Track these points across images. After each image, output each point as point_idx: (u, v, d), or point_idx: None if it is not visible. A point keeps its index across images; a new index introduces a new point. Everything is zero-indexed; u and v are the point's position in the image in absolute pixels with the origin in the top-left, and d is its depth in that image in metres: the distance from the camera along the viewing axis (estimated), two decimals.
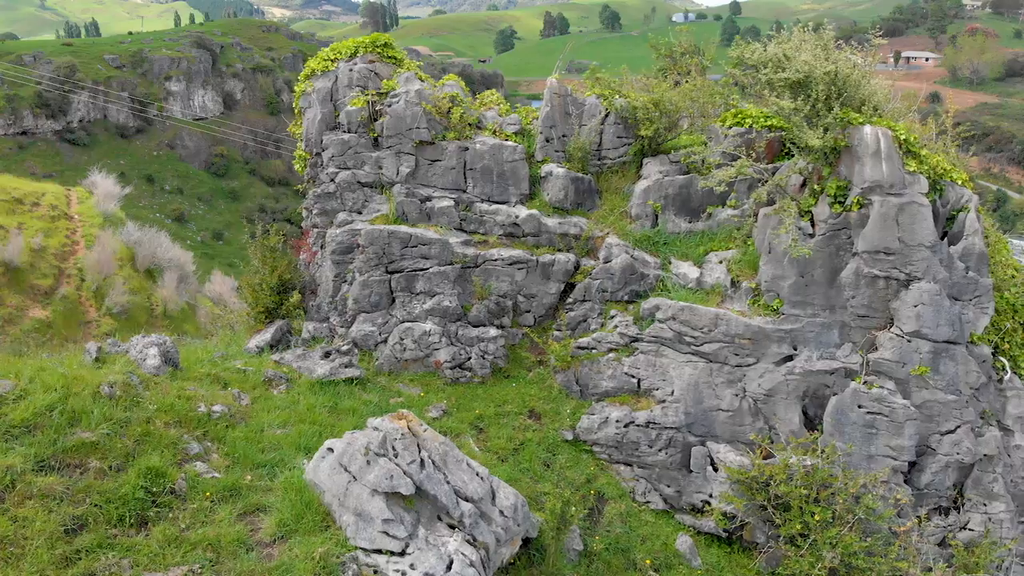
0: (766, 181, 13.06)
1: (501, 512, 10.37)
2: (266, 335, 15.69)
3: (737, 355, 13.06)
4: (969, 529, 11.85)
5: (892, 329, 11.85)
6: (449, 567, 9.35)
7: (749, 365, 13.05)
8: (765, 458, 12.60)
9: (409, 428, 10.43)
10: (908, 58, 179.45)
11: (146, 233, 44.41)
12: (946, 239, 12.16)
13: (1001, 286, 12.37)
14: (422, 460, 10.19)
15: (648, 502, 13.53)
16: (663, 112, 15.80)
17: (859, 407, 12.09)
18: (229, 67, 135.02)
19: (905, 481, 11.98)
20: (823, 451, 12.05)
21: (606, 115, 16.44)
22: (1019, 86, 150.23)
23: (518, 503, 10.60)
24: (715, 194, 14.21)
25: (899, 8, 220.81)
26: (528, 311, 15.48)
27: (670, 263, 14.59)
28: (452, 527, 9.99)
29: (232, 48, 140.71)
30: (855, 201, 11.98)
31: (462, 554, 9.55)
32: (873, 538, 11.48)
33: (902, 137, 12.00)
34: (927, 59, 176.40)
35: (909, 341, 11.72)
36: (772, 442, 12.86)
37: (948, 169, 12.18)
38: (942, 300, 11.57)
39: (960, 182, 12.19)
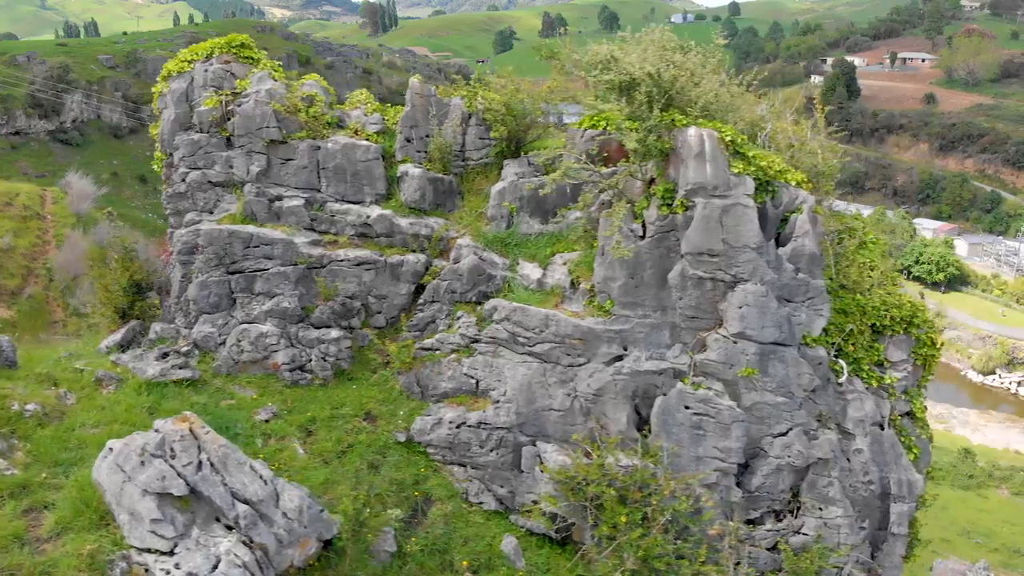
0: (604, 183, 12.66)
1: (284, 514, 10.27)
2: (117, 336, 15.78)
3: (569, 355, 13.03)
4: (803, 534, 11.46)
5: (720, 330, 11.46)
6: (215, 567, 9.38)
7: (580, 365, 13.05)
8: (589, 458, 12.19)
9: (191, 430, 10.45)
10: (904, 59, 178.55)
11: (119, 232, 44.19)
12: (777, 241, 11.75)
13: (855, 287, 11.86)
14: (200, 462, 10.15)
15: (481, 503, 13.41)
16: (513, 114, 15.53)
17: (686, 408, 12.00)
18: None
19: (738, 484, 11.55)
20: (646, 452, 11.75)
21: (469, 116, 16.34)
22: (1015, 87, 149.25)
23: (304, 505, 10.50)
24: (568, 196, 13.85)
25: (896, 9, 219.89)
26: (379, 312, 15.33)
27: (518, 264, 14.46)
28: (230, 528, 9.97)
29: None
30: (680, 203, 11.72)
31: (234, 555, 9.55)
32: (685, 541, 11.07)
33: (727, 139, 11.49)
34: (923, 60, 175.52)
35: (735, 342, 11.45)
36: (602, 442, 12.45)
37: (783, 170, 11.66)
38: (768, 302, 11.26)
39: (795, 183, 11.65)
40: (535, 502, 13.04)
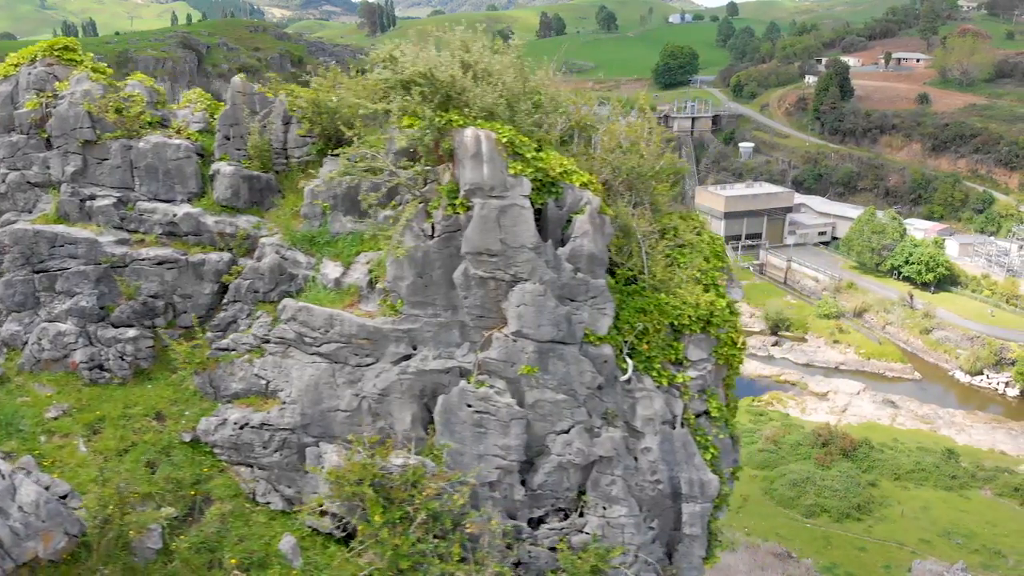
0: (396, 181, 12.77)
1: (20, 508, 10.36)
2: None
3: (357, 355, 12.81)
4: (585, 533, 11.53)
5: (504, 329, 11.65)
6: None
7: (368, 365, 12.79)
8: (374, 458, 12.34)
9: None
10: (899, 59, 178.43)
11: None
12: (558, 241, 11.87)
13: (661, 287, 11.85)
14: None
15: (268, 503, 13.36)
16: (322, 112, 15.46)
17: (468, 406, 11.90)
18: (215, 67, 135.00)
19: (523, 482, 11.67)
20: (431, 451, 11.89)
21: (290, 115, 16.20)
22: (1008, 87, 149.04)
23: (41, 500, 10.54)
24: (386, 196, 13.89)
25: (892, 9, 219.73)
26: (185, 312, 15.26)
27: (322, 263, 14.34)
28: None
29: (218, 48, 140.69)
30: (459, 203, 11.74)
31: None
32: (444, 540, 11.15)
33: (504, 139, 11.55)
34: (918, 60, 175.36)
35: (515, 341, 11.49)
36: (368, 443, 12.61)
37: (568, 171, 11.69)
38: (546, 301, 11.26)
39: (580, 184, 11.71)
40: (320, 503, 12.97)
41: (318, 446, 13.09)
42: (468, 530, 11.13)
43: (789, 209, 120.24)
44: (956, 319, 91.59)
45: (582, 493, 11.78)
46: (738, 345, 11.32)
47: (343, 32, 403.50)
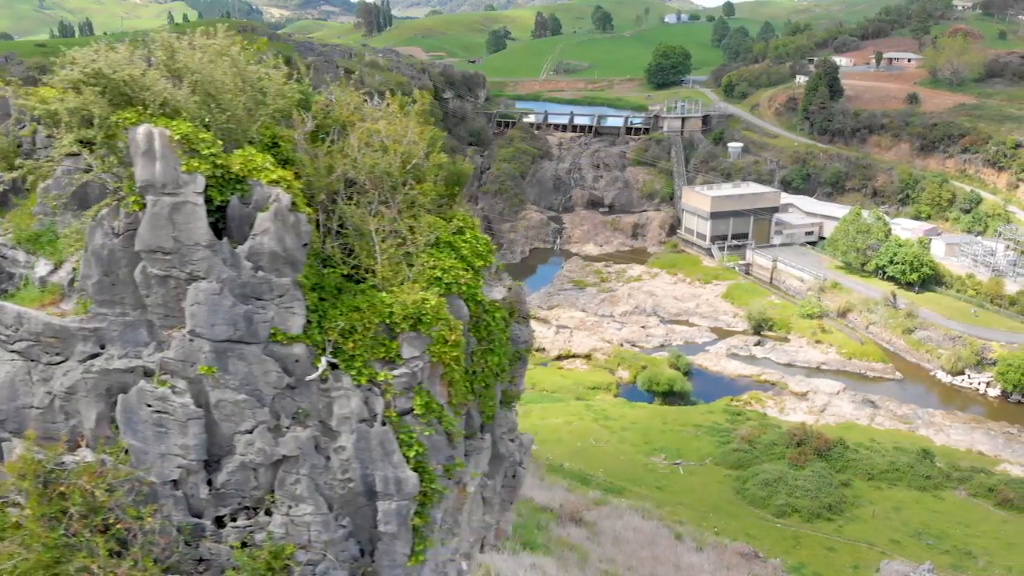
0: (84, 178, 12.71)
1: None
2: None
3: (48, 353, 12.90)
4: (271, 531, 11.56)
5: (183, 329, 11.68)
6: None
7: (59, 363, 12.94)
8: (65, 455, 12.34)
9: None
10: (890, 59, 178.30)
11: None
12: (245, 239, 11.83)
13: (384, 286, 11.82)
14: None
15: None
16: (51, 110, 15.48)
17: (148, 406, 11.99)
18: None
19: (209, 481, 11.73)
20: (111, 450, 11.89)
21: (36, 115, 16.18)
22: (999, 87, 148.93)
23: None
24: (107, 192, 13.83)
25: (885, 9, 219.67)
26: None
27: (38, 261, 14.28)
28: None
29: None
30: (134, 200, 11.80)
31: None
32: (98, 535, 11.11)
33: (178, 136, 11.49)
34: (909, 60, 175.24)
35: (192, 340, 11.49)
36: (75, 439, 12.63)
37: (257, 168, 11.61)
38: (222, 299, 11.28)
39: (268, 182, 11.64)
40: None
41: (11, 441, 13.27)
42: (118, 525, 11.13)
43: (776, 209, 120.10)
44: (939, 319, 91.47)
45: (273, 491, 11.84)
46: (449, 343, 11.20)
47: (340, 32, 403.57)
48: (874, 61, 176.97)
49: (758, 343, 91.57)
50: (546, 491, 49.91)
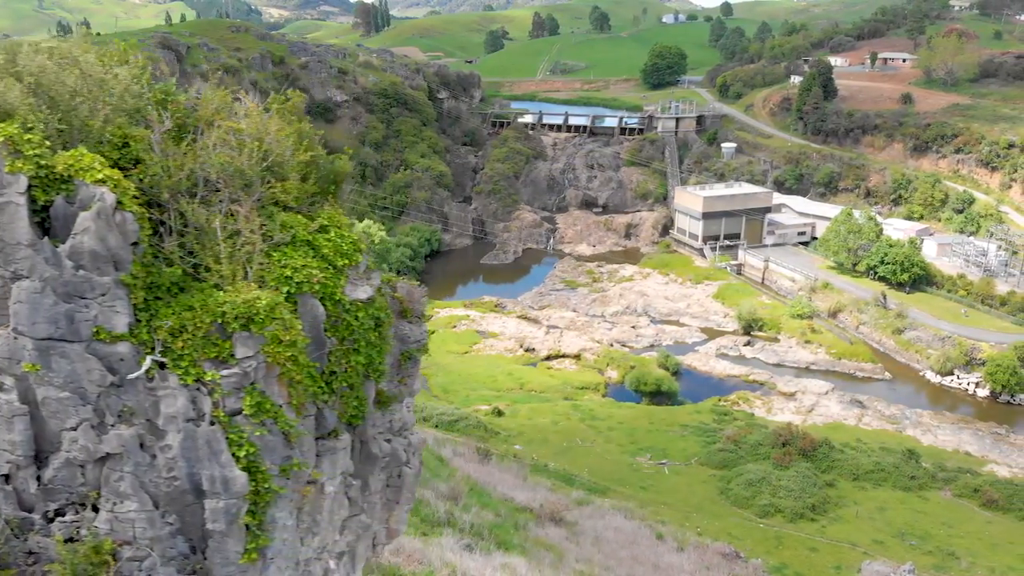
0: None
1: None
2: None
3: None
4: (95, 527, 11.70)
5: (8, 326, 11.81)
6: None
7: None
8: None
9: None
10: (885, 59, 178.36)
11: None
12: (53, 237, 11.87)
13: (223, 284, 11.85)
14: None
15: None
16: None
17: None
18: (194, 67, 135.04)
19: (38, 477, 11.87)
20: None
21: None
22: (993, 87, 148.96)
23: None
24: None
25: (882, 9, 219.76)
26: None
27: None
28: None
29: (199, 49, 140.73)
30: None
31: None
32: None
33: (1, 138, 11.51)
34: (903, 60, 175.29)
35: (16, 339, 11.58)
36: None
37: (84, 168, 11.66)
38: (42, 298, 11.35)
39: (93, 181, 11.71)
40: None
41: None
42: None
43: (768, 209, 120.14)
44: (929, 319, 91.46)
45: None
46: (283, 343, 11.16)
47: (339, 32, 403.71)
48: (869, 61, 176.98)
49: (748, 343, 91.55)
50: (528, 491, 49.91)
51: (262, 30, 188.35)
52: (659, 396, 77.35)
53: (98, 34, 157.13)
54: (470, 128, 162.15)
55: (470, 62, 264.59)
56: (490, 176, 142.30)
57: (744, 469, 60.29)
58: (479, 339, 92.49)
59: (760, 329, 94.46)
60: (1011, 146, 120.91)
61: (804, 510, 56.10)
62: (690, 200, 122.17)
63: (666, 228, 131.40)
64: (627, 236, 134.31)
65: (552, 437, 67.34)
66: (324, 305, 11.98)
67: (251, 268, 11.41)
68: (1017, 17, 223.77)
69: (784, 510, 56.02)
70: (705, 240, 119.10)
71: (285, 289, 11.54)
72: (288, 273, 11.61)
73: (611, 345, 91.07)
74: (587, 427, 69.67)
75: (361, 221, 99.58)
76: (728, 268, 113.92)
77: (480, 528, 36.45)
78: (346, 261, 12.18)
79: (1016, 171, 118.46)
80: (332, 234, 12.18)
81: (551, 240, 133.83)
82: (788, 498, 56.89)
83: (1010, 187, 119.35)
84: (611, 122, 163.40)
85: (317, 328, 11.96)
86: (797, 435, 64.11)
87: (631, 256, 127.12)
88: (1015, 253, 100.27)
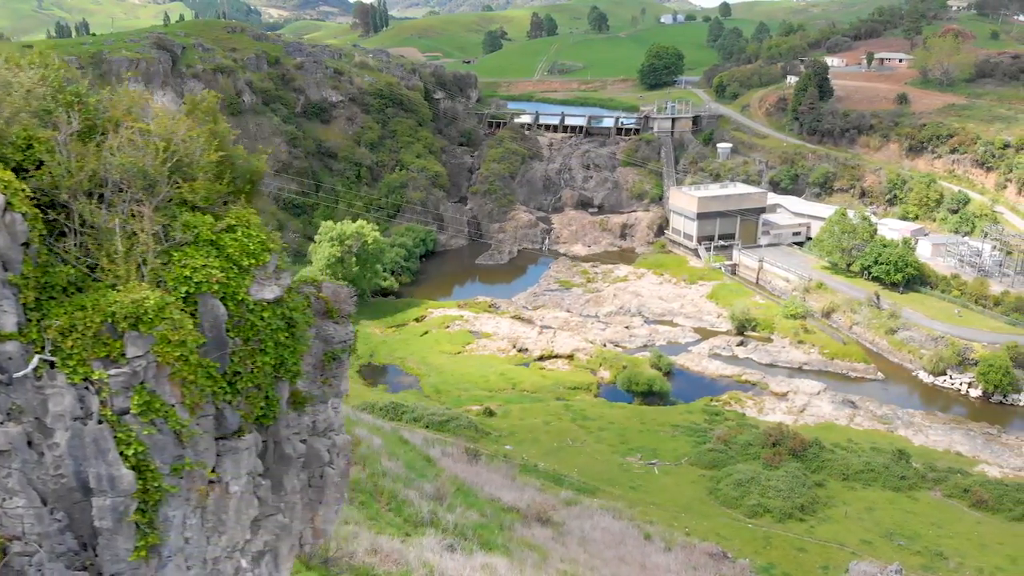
0: None
1: None
2: None
3: None
4: None
5: None
6: None
7: None
8: None
9: None
10: (882, 59, 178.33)
11: None
12: None
13: (118, 284, 11.91)
14: None
15: None
16: None
17: None
18: (189, 68, 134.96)
19: None
20: None
21: None
22: (989, 87, 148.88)
23: None
24: None
25: (879, 10, 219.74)
26: None
27: None
28: None
29: (194, 49, 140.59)
30: None
31: None
32: None
33: None
34: (900, 60, 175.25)
35: None
36: None
37: None
38: None
39: None
40: None
41: None
42: None
43: (763, 209, 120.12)
44: (922, 319, 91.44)
45: None
46: (172, 342, 11.19)
47: (337, 32, 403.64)
48: (865, 61, 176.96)
49: (741, 343, 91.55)
50: (516, 491, 49.86)
51: (258, 30, 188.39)
52: (651, 396, 77.39)
53: (93, 34, 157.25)
54: (466, 128, 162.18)
55: (468, 62, 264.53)
56: (486, 176, 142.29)
57: (734, 469, 60.28)
58: (472, 339, 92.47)
59: (753, 329, 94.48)
60: (1006, 146, 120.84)
61: (793, 510, 56.07)
62: (685, 200, 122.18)
63: (661, 228, 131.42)
64: (622, 236, 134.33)
65: (543, 437, 67.34)
66: (226, 305, 11.91)
67: (145, 268, 11.44)
68: (1015, 17, 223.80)
69: (773, 510, 56.00)
70: (700, 240, 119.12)
71: (184, 289, 11.54)
72: (187, 273, 11.55)
73: (604, 345, 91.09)
74: (578, 427, 69.69)
75: (355, 221, 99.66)
76: (723, 268, 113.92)
77: (464, 528, 36.37)
78: (252, 261, 12.11)
79: (1011, 171, 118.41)
80: (239, 233, 12.09)
81: (546, 240, 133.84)
82: (777, 498, 56.87)
83: (1005, 187, 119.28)
84: (607, 122, 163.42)
85: (218, 328, 11.88)
86: (787, 435, 64.11)
87: (626, 256, 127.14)
88: (1009, 253, 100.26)
